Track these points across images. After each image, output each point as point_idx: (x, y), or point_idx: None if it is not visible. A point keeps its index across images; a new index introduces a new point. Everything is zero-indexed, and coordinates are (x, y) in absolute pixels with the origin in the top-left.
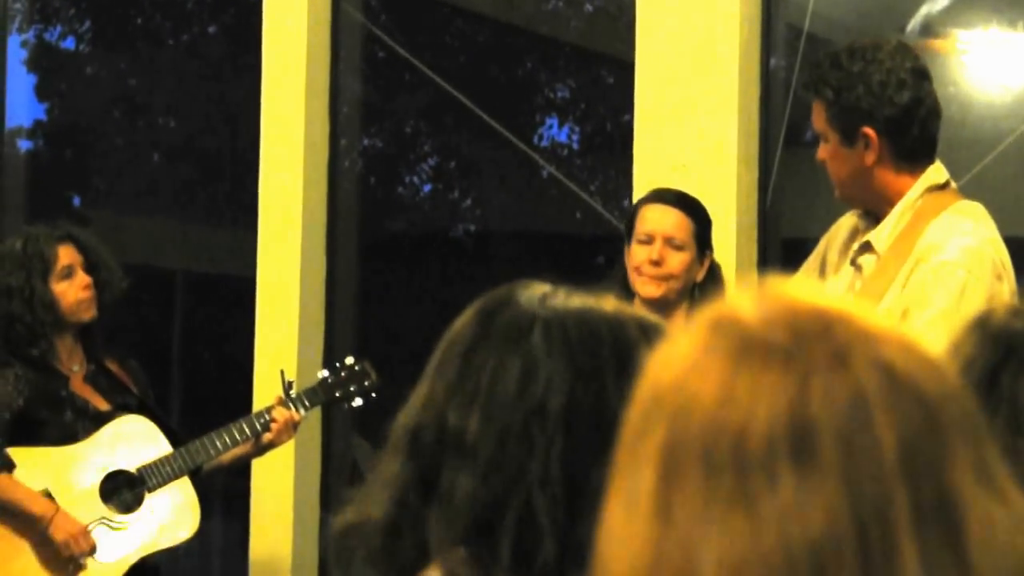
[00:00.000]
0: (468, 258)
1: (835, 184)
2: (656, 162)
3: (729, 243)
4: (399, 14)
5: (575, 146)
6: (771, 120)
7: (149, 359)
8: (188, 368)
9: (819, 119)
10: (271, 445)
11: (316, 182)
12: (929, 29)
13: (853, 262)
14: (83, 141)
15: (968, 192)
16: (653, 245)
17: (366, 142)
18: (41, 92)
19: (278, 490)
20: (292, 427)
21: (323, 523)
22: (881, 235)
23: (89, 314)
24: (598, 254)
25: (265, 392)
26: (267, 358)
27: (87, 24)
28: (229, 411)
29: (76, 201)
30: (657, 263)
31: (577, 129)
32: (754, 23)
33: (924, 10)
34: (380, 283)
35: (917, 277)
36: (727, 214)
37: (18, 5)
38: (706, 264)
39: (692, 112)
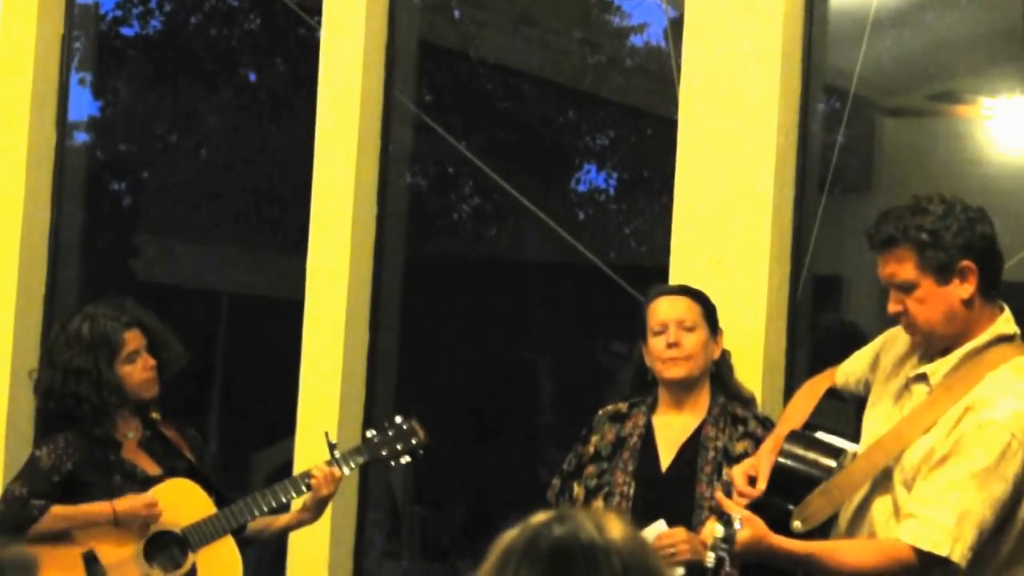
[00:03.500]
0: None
1: (921, 329)
2: (695, 208)
3: (761, 284)
4: (448, 72)
5: (612, 191)
6: (808, 168)
7: (192, 379)
8: (231, 389)
9: (907, 267)
10: (320, 502)
11: (365, 216)
12: (955, 95)
13: (907, 386)
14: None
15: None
16: (668, 332)
17: (410, 179)
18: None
19: (314, 537)
20: (335, 482)
21: (357, 572)
22: (939, 371)
23: (151, 392)
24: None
25: (309, 413)
26: (313, 377)
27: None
28: (270, 432)
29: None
30: (674, 345)
31: (614, 174)
32: (794, 81)
33: (951, 77)
34: (422, 306)
35: (963, 428)
36: (760, 259)
37: (77, 45)
38: (719, 342)
39: (730, 163)
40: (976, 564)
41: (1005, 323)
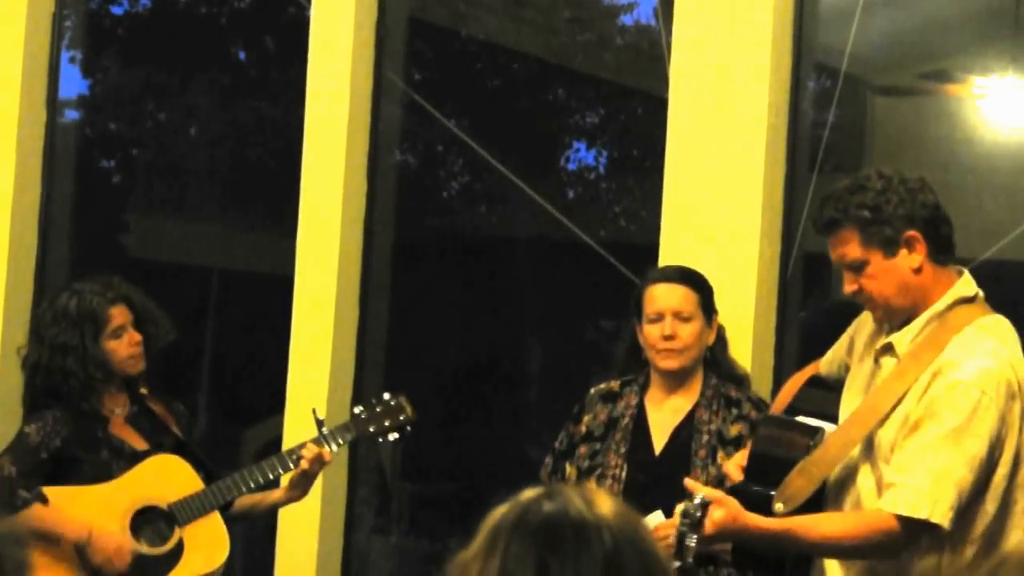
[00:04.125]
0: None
1: (879, 304)
2: (685, 187)
3: (752, 262)
4: (438, 50)
5: (601, 169)
6: (798, 147)
7: (181, 355)
8: (221, 365)
9: (853, 247)
10: (306, 480)
11: (355, 193)
12: (946, 74)
13: (876, 360)
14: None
15: (983, 237)
16: (664, 322)
17: (399, 157)
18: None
19: (304, 513)
20: (323, 462)
21: (347, 549)
22: (904, 340)
23: (137, 368)
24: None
25: (299, 389)
26: (303, 354)
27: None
28: (260, 408)
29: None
30: (670, 338)
31: (604, 153)
32: (785, 60)
33: (942, 55)
34: (412, 284)
35: (933, 392)
36: (751, 237)
37: (68, 23)
38: (714, 327)
39: (721, 141)
40: (963, 528)
41: (964, 285)
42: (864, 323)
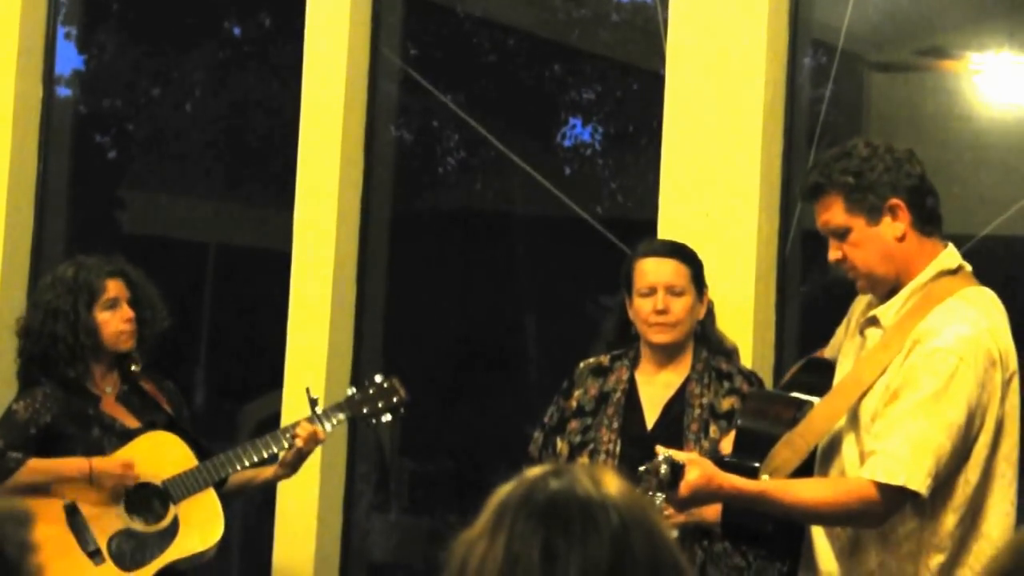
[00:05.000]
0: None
1: (862, 273)
2: (683, 163)
3: (751, 238)
4: (434, 26)
5: (598, 145)
6: (796, 123)
7: (178, 331)
8: (218, 341)
9: (836, 213)
10: (297, 462)
11: (352, 169)
12: (943, 51)
13: (861, 332)
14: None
15: (980, 214)
16: (656, 296)
17: (395, 133)
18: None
19: (304, 490)
20: (316, 440)
21: (346, 526)
22: (888, 312)
23: (127, 345)
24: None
25: (296, 366)
26: (300, 330)
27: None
28: (258, 384)
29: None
30: (663, 312)
31: (600, 129)
32: (782, 36)
33: (939, 32)
34: (409, 260)
35: (912, 360)
36: (749, 214)
37: None
38: (705, 301)
39: (718, 117)
40: (944, 497)
41: (948, 257)
42: (859, 303)
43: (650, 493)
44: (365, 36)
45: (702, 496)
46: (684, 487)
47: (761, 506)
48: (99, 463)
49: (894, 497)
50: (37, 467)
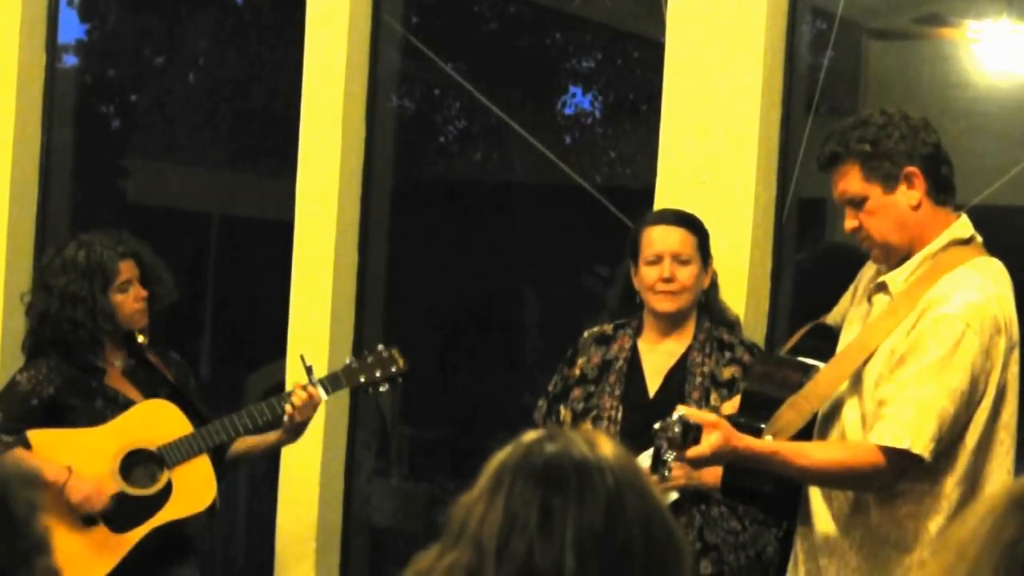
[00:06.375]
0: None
1: (877, 242)
2: (682, 131)
3: (747, 206)
4: None
5: (597, 113)
6: (794, 91)
7: (184, 301)
8: (222, 311)
9: (853, 181)
10: (298, 427)
11: (354, 138)
12: (941, 18)
13: (869, 298)
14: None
15: (976, 181)
16: (662, 264)
17: (397, 101)
18: (85, 12)
19: (306, 457)
20: (314, 406)
21: (348, 492)
22: (898, 279)
23: (141, 323)
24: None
25: (299, 334)
26: (303, 299)
27: None
28: (262, 353)
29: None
30: (669, 280)
31: (600, 97)
32: (781, 3)
33: (937, 0)
34: (410, 228)
35: (920, 326)
36: (747, 182)
37: None
38: (710, 272)
39: (717, 85)
40: (945, 462)
41: (961, 227)
42: (867, 269)
43: (662, 451)
44: (367, 3)
45: (719, 456)
46: (707, 447)
47: (772, 467)
48: (74, 480)
49: (899, 461)
50: (22, 457)
